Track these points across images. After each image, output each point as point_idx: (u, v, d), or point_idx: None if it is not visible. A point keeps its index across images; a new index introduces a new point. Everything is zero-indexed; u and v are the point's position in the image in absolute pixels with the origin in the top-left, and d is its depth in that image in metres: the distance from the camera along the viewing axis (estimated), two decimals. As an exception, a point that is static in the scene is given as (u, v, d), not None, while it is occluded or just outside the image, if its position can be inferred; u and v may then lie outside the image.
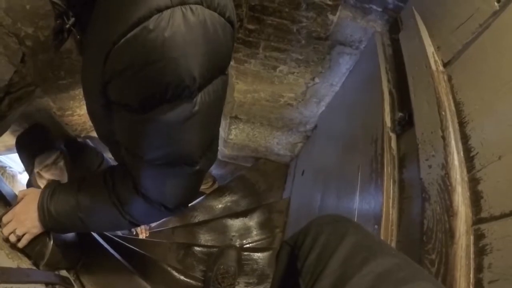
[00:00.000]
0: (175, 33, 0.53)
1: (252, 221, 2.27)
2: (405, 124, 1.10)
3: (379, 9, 1.46)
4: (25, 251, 0.94)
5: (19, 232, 0.90)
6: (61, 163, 1.79)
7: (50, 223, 0.91)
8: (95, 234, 1.32)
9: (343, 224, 0.70)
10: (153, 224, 2.28)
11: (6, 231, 0.91)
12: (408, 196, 0.98)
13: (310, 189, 1.95)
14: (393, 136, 1.14)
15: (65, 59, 1.67)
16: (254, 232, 2.24)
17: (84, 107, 2.04)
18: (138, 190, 0.80)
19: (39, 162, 1.69)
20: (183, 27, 0.53)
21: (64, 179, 1.79)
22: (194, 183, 0.82)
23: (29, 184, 1.95)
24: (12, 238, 0.91)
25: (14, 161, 2.70)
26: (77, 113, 1.93)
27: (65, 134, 2.04)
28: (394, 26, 1.40)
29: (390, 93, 1.22)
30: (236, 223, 2.25)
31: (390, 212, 0.99)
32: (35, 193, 0.94)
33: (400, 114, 1.12)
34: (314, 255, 0.64)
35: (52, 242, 0.97)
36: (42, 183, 1.78)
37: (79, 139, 2.14)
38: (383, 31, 1.45)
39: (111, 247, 1.32)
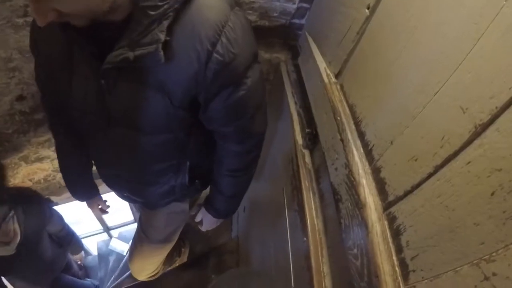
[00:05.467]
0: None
1: (207, 268, 2.26)
2: (314, 138, 1.15)
3: (281, 41, 1.57)
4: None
5: None
6: (11, 220, 1.63)
7: None
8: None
9: None
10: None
11: None
12: (328, 203, 0.99)
13: (252, 223, 1.93)
14: (306, 152, 1.18)
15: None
16: (212, 276, 2.20)
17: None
18: (250, 140, 0.97)
19: None
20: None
21: (11, 234, 1.62)
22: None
23: None
24: None
25: None
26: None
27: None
28: (295, 53, 1.50)
29: (298, 113, 1.29)
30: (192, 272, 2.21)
31: (315, 222, 1.00)
32: None
33: (308, 130, 1.17)
34: None
35: None
36: None
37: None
38: (287, 59, 1.55)
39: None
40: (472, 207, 0.50)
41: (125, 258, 3.01)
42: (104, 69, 0.71)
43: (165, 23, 0.66)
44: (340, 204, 0.84)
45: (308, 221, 1.00)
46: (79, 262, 2.88)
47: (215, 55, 0.70)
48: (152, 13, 0.65)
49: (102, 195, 1.50)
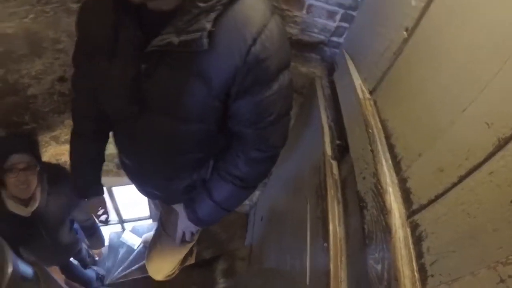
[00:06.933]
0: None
1: (216, 271, 2.27)
2: (343, 150, 1.20)
3: (318, 57, 1.64)
4: None
5: None
6: (32, 174, 1.64)
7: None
8: None
9: None
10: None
11: None
12: (352, 213, 1.04)
13: (269, 232, 1.97)
14: (334, 163, 1.23)
15: (30, 104, 1.67)
16: (219, 280, 2.23)
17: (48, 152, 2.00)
18: (265, 150, 0.98)
19: (9, 161, 1.56)
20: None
21: (29, 192, 1.64)
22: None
23: None
24: None
25: None
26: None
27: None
28: (331, 69, 1.57)
29: (329, 126, 1.34)
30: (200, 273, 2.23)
31: (337, 230, 1.04)
32: None
33: (338, 142, 1.22)
34: None
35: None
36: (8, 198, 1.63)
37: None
38: (322, 75, 1.62)
39: None
40: (492, 214, 0.54)
41: (136, 251, 3.10)
42: (147, 52, 0.75)
43: (212, 15, 0.71)
44: (365, 211, 0.88)
45: (331, 227, 1.04)
46: (96, 258, 2.92)
47: (253, 50, 0.75)
48: (202, 4, 0.70)
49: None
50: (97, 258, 2.94)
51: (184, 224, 1.30)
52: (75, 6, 1.29)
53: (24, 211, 1.68)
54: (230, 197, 1.11)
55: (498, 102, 0.56)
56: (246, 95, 0.83)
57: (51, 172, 1.80)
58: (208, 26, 0.71)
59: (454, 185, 0.63)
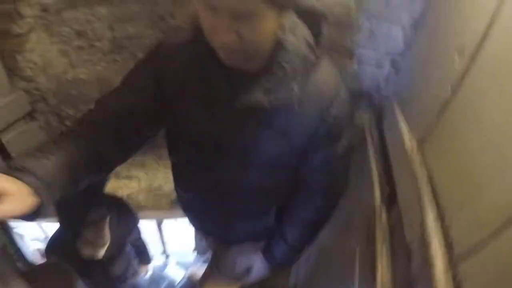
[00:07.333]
0: None
1: None
2: (391, 198, 1.25)
3: (367, 104, 1.72)
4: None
5: None
6: (105, 223, 1.74)
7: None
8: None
9: None
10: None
11: None
12: (399, 258, 1.07)
13: (315, 273, 1.98)
14: (383, 210, 1.27)
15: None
16: None
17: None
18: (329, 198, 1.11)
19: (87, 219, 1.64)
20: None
21: (104, 240, 1.73)
22: None
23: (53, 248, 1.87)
24: None
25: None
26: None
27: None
28: (380, 117, 1.64)
29: (379, 173, 1.40)
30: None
31: (385, 276, 1.07)
32: None
33: (387, 190, 1.27)
34: None
35: None
36: (85, 245, 1.72)
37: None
38: (372, 122, 1.68)
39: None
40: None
41: (179, 285, 3.05)
42: (236, 109, 0.81)
43: (299, 78, 0.80)
44: (411, 259, 0.92)
45: (379, 273, 1.08)
46: (143, 274, 2.89)
47: (331, 112, 0.85)
48: (288, 68, 0.78)
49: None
50: (143, 274, 2.91)
51: (258, 273, 1.34)
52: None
53: (97, 255, 1.82)
54: (304, 237, 1.20)
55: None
56: (319, 149, 0.93)
57: (117, 208, 1.94)
58: (296, 88, 0.80)
59: (491, 237, 0.67)
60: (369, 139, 1.59)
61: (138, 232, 2.36)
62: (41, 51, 1.55)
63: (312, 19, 0.84)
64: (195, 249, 3.63)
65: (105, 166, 0.90)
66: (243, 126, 0.88)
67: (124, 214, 2.04)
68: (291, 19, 0.82)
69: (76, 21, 1.49)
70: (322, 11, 0.86)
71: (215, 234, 1.39)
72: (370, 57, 1.53)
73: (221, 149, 0.93)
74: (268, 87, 0.78)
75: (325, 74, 0.86)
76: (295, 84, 0.79)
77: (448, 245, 0.82)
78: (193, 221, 1.37)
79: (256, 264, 1.31)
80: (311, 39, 0.83)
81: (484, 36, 0.87)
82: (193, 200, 1.20)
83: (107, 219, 1.79)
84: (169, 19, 1.54)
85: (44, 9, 1.43)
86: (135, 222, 2.21)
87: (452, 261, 0.80)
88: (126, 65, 1.60)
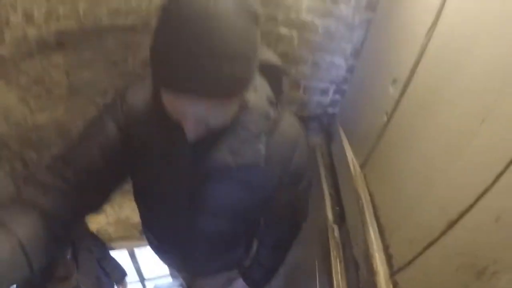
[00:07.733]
0: None
1: None
2: (342, 216, 1.41)
3: (317, 127, 1.89)
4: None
5: None
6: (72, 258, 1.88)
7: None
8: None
9: None
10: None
11: None
12: (350, 270, 1.23)
13: (280, 285, 2.09)
14: (335, 226, 1.43)
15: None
16: None
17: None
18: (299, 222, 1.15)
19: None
20: None
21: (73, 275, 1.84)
22: None
23: None
24: None
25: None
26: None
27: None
28: (329, 137, 1.82)
29: (330, 193, 1.56)
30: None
31: (340, 285, 1.22)
32: None
33: (337, 208, 1.44)
34: None
35: None
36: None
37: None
38: (322, 143, 1.86)
39: None
40: (445, 276, 0.75)
41: None
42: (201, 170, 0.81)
43: (263, 138, 0.79)
44: (359, 271, 1.08)
45: (335, 283, 1.23)
46: None
47: (293, 161, 0.88)
48: (252, 128, 0.77)
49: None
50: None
51: None
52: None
53: (70, 284, 1.88)
54: (278, 259, 1.26)
55: (450, 190, 0.79)
56: (283, 193, 0.97)
57: (86, 239, 2.04)
58: (263, 149, 0.79)
59: (419, 254, 0.84)
60: (320, 160, 1.76)
61: (106, 252, 2.37)
62: (1, 99, 1.54)
63: (273, 75, 0.88)
64: (170, 274, 3.64)
65: (67, 230, 0.81)
66: (211, 183, 0.87)
67: (91, 242, 2.12)
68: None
69: (34, 69, 1.51)
70: (282, 67, 0.89)
71: (188, 271, 1.41)
72: (315, 88, 1.71)
73: (189, 204, 0.93)
74: (234, 149, 0.78)
75: (287, 126, 0.87)
76: (260, 143, 0.79)
77: (388, 259, 0.99)
78: (163, 259, 1.36)
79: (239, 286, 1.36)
80: (272, 96, 0.85)
81: (414, 69, 1.02)
82: (161, 243, 1.19)
83: (70, 254, 1.88)
84: (123, 65, 1.61)
85: (1, 60, 1.43)
86: (103, 246, 2.27)
87: (392, 272, 0.96)
88: (83, 109, 1.65)
